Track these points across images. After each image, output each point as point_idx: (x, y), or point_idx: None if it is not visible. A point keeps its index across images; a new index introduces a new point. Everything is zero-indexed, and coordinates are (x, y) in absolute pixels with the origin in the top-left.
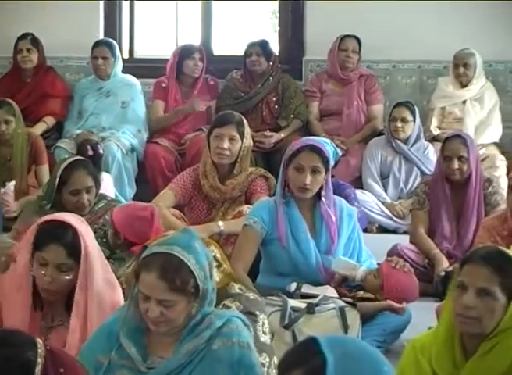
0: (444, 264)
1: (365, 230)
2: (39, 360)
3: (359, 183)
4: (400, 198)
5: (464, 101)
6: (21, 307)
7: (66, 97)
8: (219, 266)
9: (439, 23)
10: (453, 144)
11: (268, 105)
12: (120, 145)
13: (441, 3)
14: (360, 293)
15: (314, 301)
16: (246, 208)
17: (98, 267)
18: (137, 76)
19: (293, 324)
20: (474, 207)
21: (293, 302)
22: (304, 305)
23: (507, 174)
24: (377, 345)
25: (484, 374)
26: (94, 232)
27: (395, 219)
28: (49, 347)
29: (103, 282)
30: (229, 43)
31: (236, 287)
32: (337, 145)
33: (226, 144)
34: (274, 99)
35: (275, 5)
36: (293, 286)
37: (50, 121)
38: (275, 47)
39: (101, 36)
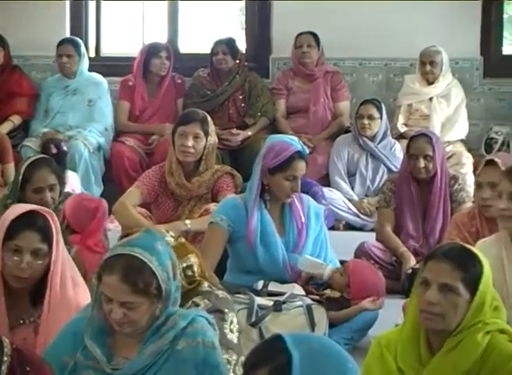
0: (411, 262)
1: (332, 228)
2: (5, 359)
3: (326, 180)
4: (366, 195)
5: (431, 99)
6: None
7: (33, 95)
8: (192, 276)
9: (405, 21)
10: (418, 143)
11: (234, 103)
12: (87, 144)
13: (407, 1)
14: (327, 291)
15: (281, 298)
16: (213, 206)
17: (66, 257)
18: (104, 75)
19: (260, 322)
20: (440, 205)
21: (260, 300)
22: (270, 303)
23: (474, 171)
24: (344, 342)
25: (448, 371)
26: None
27: (362, 216)
28: (15, 345)
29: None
30: (196, 41)
31: (205, 285)
32: (304, 143)
33: (190, 142)
34: (241, 97)
35: (243, 3)
36: (260, 284)
37: (16, 120)
38: (241, 45)
39: (68, 34)
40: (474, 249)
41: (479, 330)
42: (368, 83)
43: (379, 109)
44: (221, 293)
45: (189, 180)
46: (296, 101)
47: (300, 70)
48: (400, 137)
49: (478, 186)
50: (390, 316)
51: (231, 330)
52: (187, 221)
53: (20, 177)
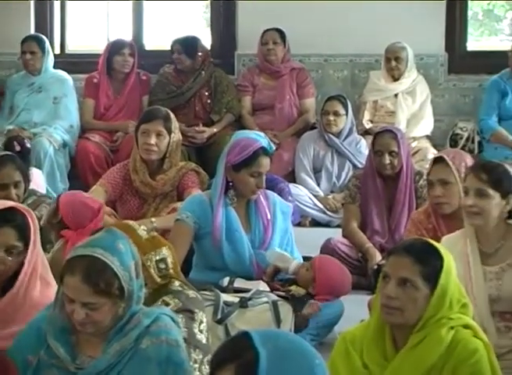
0: (376, 257)
1: (298, 224)
2: None
3: (292, 177)
4: (332, 191)
5: (396, 95)
6: None
7: None
8: (166, 269)
9: (370, 17)
10: (383, 139)
11: (200, 99)
12: (52, 141)
13: None
14: (293, 287)
15: (247, 295)
16: (179, 204)
17: (41, 257)
18: (69, 72)
19: (226, 319)
20: (406, 200)
21: (226, 297)
22: (236, 300)
23: None
24: (310, 338)
25: (413, 366)
26: None
27: (328, 212)
28: None
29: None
30: (162, 37)
31: (176, 284)
32: (270, 139)
33: (153, 140)
34: (206, 94)
35: (208, 1)
36: (226, 280)
37: None
38: (207, 41)
39: (32, 31)
40: (436, 244)
41: (443, 326)
42: (333, 79)
43: (345, 106)
44: (192, 293)
45: (153, 178)
46: (262, 98)
47: (266, 67)
48: (365, 133)
49: (430, 184)
50: (356, 312)
51: (200, 331)
52: (153, 219)
53: None
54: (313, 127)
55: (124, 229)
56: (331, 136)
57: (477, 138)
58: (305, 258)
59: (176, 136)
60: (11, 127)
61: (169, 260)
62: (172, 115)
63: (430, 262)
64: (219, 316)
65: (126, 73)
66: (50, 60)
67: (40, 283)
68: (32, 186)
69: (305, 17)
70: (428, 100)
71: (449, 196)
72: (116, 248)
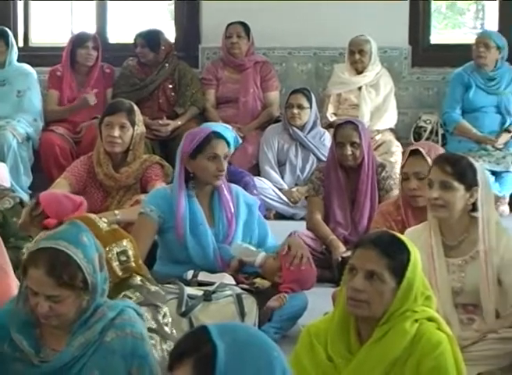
0: (340, 250)
1: (263, 217)
2: None
3: (256, 170)
4: (296, 184)
5: (360, 88)
6: None
7: None
8: (127, 261)
9: (333, 10)
10: (345, 131)
11: (164, 92)
12: (16, 134)
13: None
14: (257, 280)
15: (211, 288)
16: (143, 197)
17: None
18: (33, 65)
19: (190, 312)
20: (368, 192)
21: (190, 290)
22: (200, 293)
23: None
24: (274, 331)
25: (378, 359)
26: None
27: (292, 205)
28: None
29: None
30: (126, 30)
31: (137, 279)
32: None
33: (117, 133)
34: (170, 86)
35: None
36: (190, 273)
37: None
38: (171, 35)
39: None
40: (403, 237)
41: (408, 319)
42: (297, 72)
43: (309, 99)
44: (153, 287)
45: (117, 171)
46: (226, 91)
47: (230, 60)
48: (329, 126)
49: (405, 177)
50: (320, 304)
51: (165, 324)
52: (116, 211)
53: None
54: (277, 120)
55: (84, 221)
56: (295, 129)
57: (440, 131)
58: None
59: (140, 128)
60: None
61: (130, 252)
62: (135, 107)
63: (397, 256)
64: (183, 309)
65: (89, 66)
66: (14, 53)
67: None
68: None
69: (269, 10)
70: (392, 93)
71: (423, 189)
72: (80, 240)
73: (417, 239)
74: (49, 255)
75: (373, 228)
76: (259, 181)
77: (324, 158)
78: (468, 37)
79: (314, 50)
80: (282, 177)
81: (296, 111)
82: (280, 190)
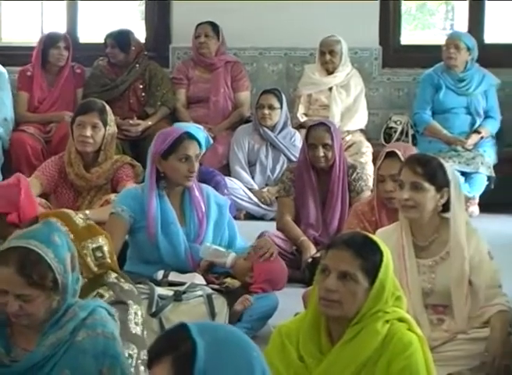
0: (311, 250)
1: (233, 218)
2: None
3: (226, 170)
4: (267, 185)
5: (331, 88)
6: None
7: None
8: (102, 258)
9: (304, 11)
10: (317, 132)
11: (135, 92)
12: None
13: None
14: (228, 280)
15: (182, 288)
16: (113, 197)
17: None
18: (3, 64)
19: (161, 312)
20: (339, 194)
21: (161, 290)
22: (171, 293)
23: (373, 160)
24: (244, 331)
25: (349, 359)
26: None
27: (262, 206)
28: None
29: None
30: (96, 30)
31: (112, 276)
32: None
33: (89, 132)
34: (141, 87)
35: None
36: (161, 274)
37: None
38: (141, 35)
39: None
40: (375, 238)
41: (379, 319)
42: (268, 72)
43: (279, 99)
44: (127, 285)
45: (88, 171)
46: (197, 91)
47: (200, 60)
48: (299, 126)
49: (381, 179)
50: (290, 305)
51: (136, 323)
52: (87, 211)
53: None
54: (248, 121)
55: (60, 216)
56: (265, 129)
57: (410, 132)
58: None
59: (112, 128)
60: None
61: (106, 249)
62: (107, 107)
63: (370, 257)
64: (154, 310)
65: (61, 66)
66: None
67: None
68: None
69: (240, 10)
70: (363, 94)
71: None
72: (51, 240)
73: (388, 239)
74: (19, 254)
75: (347, 228)
76: (229, 181)
77: (294, 159)
78: (438, 39)
79: (284, 50)
80: (253, 178)
81: (266, 111)
82: (250, 190)
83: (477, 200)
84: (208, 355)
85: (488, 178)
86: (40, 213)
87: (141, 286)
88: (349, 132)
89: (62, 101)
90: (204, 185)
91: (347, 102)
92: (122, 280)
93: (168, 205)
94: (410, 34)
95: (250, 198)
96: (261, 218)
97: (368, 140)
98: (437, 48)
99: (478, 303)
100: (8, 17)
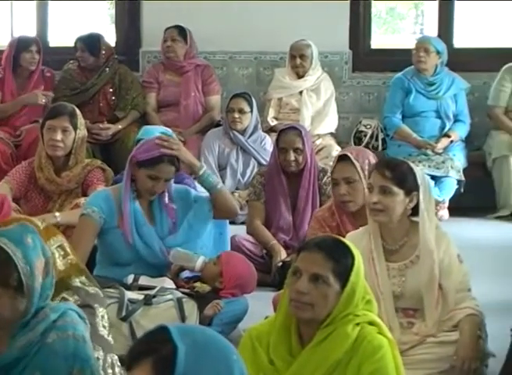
0: (282, 254)
1: None
2: None
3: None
4: (237, 188)
5: (301, 92)
6: None
7: None
8: (66, 255)
9: (274, 15)
10: (288, 136)
11: (105, 96)
12: None
13: None
14: (198, 284)
15: (152, 292)
16: (83, 200)
17: None
18: None
19: (131, 316)
20: (309, 197)
21: (131, 294)
22: (141, 297)
23: None
24: None
25: (319, 362)
26: None
27: None
28: None
29: None
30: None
31: (76, 281)
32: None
33: (59, 136)
34: (111, 90)
35: None
36: (131, 278)
37: None
38: (111, 39)
39: None
40: (347, 241)
41: (349, 322)
42: (238, 76)
43: (250, 103)
44: (91, 289)
45: (59, 175)
46: (167, 95)
47: (170, 64)
48: (270, 130)
49: (334, 182)
50: (260, 308)
51: (103, 326)
52: (57, 214)
53: None
54: (218, 125)
55: (23, 220)
56: (236, 133)
57: (381, 135)
58: None
59: (82, 132)
60: None
61: (66, 245)
62: (77, 111)
63: (342, 260)
64: (124, 314)
65: (32, 70)
66: None
67: None
68: None
69: (210, 14)
70: (333, 97)
71: (354, 194)
72: (23, 240)
73: (358, 243)
74: None
75: (310, 234)
76: (200, 185)
77: (265, 163)
78: (408, 42)
79: (255, 54)
80: (223, 182)
81: (237, 115)
82: None
83: (447, 204)
84: (189, 358)
85: (458, 182)
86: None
87: (111, 290)
88: (319, 136)
89: (36, 105)
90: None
91: (317, 106)
92: (87, 283)
93: (137, 205)
94: (380, 38)
95: None
96: (232, 222)
97: (339, 144)
98: (407, 52)
99: (447, 306)
100: None
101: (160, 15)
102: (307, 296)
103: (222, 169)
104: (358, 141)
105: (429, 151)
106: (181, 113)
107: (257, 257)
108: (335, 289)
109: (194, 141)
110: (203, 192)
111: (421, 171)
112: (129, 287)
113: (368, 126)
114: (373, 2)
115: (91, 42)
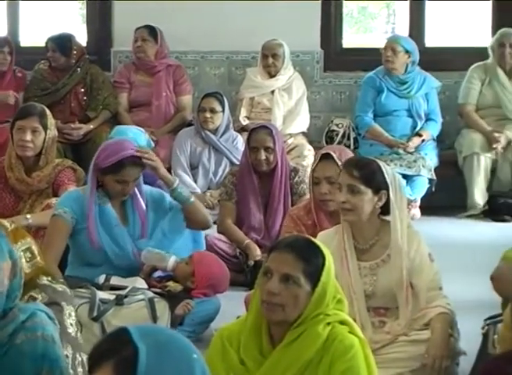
0: (257, 252)
1: None
2: None
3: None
4: (209, 188)
5: (273, 92)
6: None
7: None
8: (33, 258)
9: (246, 14)
10: (259, 135)
11: (76, 96)
12: None
13: None
14: (170, 284)
15: (123, 292)
16: (54, 201)
17: None
18: None
19: (102, 316)
20: (281, 197)
21: (102, 294)
22: (112, 297)
23: None
24: (186, 335)
25: (289, 362)
26: None
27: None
28: None
29: None
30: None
31: (44, 279)
32: None
33: (29, 137)
34: (82, 90)
35: None
36: (102, 278)
37: None
38: (82, 38)
39: None
40: (318, 241)
41: (320, 322)
42: (210, 76)
43: (221, 103)
44: (59, 286)
45: (29, 175)
46: (139, 95)
47: (141, 64)
48: (242, 130)
49: (316, 181)
50: (233, 308)
51: (71, 324)
52: (28, 215)
53: None
54: (190, 124)
55: None
56: (208, 133)
57: (352, 135)
58: None
59: (52, 132)
60: None
61: (34, 248)
62: (47, 111)
63: (313, 260)
64: (95, 314)
65: (3, 70)
66: None
67: None
68: None
69: (182, 14)
70: (304, 97)
71: (334, 193)
72: None
73: (329, 242)
74: None
75: (284, 232)
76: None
77: (237, 162)
78: (380, 42)
79: (226, 54)
80: (195, 181)
81: (208, 115)
82: (193, 193)
83: (418, 203)
84: (150, 358)
85: (430, 181)
86: None
87: (82, 290)
88: (291, 135)
89: (3, 104)
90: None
91: (289, 105)
92: (54, 281)
93: (109, 207)
94: (352, 38)
95: None
96: None
97: (310, 143)
98: (378, 51)
99: (418, 305)
100: None
101: (131, 15)
102: (278, 297)
103: (193, 168)
104: (330, 140)
105: (401, 150)
106: (153, 113)
107: (230, 256)
108: (305, 289)
109: (166, 141)
110: None
111: (391, 170)
112: (100, 287)
113: (340, 126)
114: (344, 2)
115: (62, 42)
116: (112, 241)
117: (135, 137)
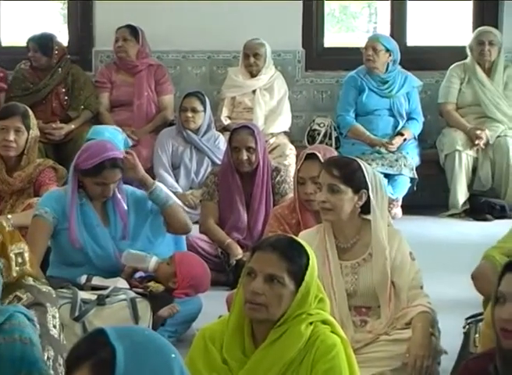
0: (239, 251)
1: None
2: None
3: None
4: (191, 188)
5: (254, 91)
6: None
7: None
8: (22, 264)
9: (227, 14)
10: (240, 135)
11: (57, 96)
12: None
13: None
14: (151, 284)
15: (105, 292)
16: (35, 200)
17: None
18: None
19: (84, 316)
20: (263, 197)
21: (84, 294)
22: (94, 297)
23: (297, 163)
24: (168, 335)
25: (272, 361)
26: None
27: (187, 209)
28: None
29: None
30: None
31: (30, 279)
32: (128, 136)
33: (12, 136)
34: (63, 90)
35: None
36: (84, 278)
37: None
38: (64, 38)
39: None
40: (301, 241)
41: (303, 321)
42: (191, 76)
43: (203, 102)
44: (44, 287)
45: (10, 175)
46: (120, 95)
47: (122, 63)
48: (223, 129)
49: (301, 181)
50: (214, 308)
51: (54, 326)
52: (9, 216)
53: None
54: (171, 124)
55: None
56: (189, 132)
57: (334, 134)
58: None
59: (34, 132)
60: None
61: (26, 255)
62: (30, 111)
63: (296, 260)
64: (77, 314)
65: None
66: None
67: None
68: None
69: (163, 14)
70: (286, 96)
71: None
72: None
73: (311, 242)
74: None
75: (268, 231)
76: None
77: (218, 162)
78: (362, 41)
79: (208, 53)
80: (177, 181)
81: (190, 114)
82: (175, 193)
83: (400, 202)
84: (128, 359)
85: (411, 180)
86: None
87: (64, 290)
88: (273, 134)
89: None
90: (124, 185)
91: (271, 105)
92: (39, 283)
93: (90, 208)
94: (334, 37)
95: None
96: None
97: (292, 142)
98: (360, 50)
99: (400, 304)
100: None
101: (113, 14)
102: (261, 297)
103: (175, 168)
104: (312, 139)
105: (383, 150)
106: (134, 113)
107: (211, 256)
108: (290, 289)
109: (148, 141)
110: None
111: (372, 169)
112: (82, 288)
113: (322, 125)
114: (326, 1)
115: (44, 42)
116: (94, 242)
117: (112, 136)
